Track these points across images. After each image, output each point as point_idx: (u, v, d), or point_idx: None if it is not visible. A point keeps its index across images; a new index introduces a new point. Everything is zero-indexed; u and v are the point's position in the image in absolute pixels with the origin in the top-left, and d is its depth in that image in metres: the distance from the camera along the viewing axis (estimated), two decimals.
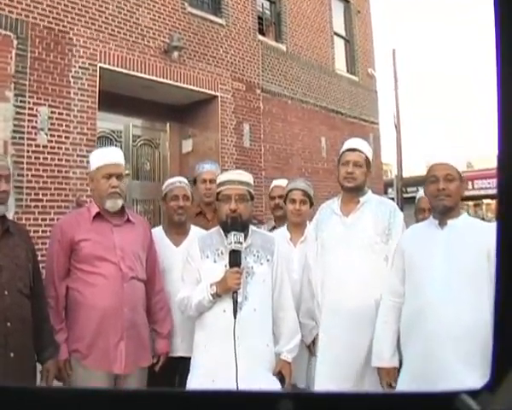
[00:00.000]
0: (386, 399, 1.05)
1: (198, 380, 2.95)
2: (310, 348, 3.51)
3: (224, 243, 2.99)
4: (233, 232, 2.91)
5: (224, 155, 10.96)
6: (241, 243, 2.90)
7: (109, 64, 9.00)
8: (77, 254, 3.11)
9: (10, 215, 7.40)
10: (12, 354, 2.70)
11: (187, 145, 11.44)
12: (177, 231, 3.67)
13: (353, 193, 3.44)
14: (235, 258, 2.89)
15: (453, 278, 2.80)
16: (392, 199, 17.35)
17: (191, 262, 3.09)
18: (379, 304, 3.16)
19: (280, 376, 3.04)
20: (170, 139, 11.48)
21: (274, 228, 4.34)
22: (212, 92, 10.84)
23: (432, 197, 3.00)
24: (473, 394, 0.91)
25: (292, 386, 3.54)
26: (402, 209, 3.61)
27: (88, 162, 3.45)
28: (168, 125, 11.45)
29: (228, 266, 2.91)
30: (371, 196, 3.50)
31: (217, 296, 2.91)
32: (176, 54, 9.84)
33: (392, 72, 20.99)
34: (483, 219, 16.32)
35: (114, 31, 9.09)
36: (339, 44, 15.00)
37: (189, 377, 3.02)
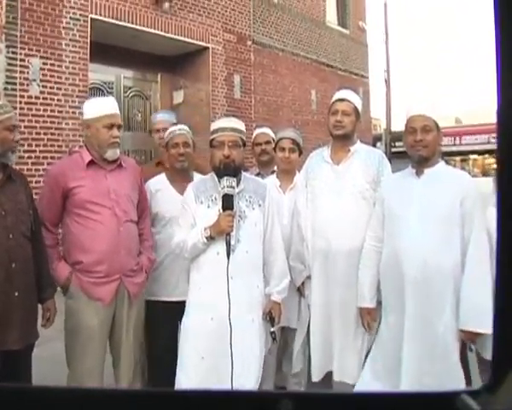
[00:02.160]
0: (387, 399, 1.05)
1: (193, 318, 3.14)
2: (300, 290, 3.70)
3: (217, 189, 3.12)
4: (226, 177, 3.05)
5: (215, 106, 11.06)
6: (233, 188, 3.05)
7: (100, 15, 8.99)
8: (71, 200, 3.23)
9: None
10: (16, 293, 2.86)
11: (178, 96, 11.51)
12: (181, 179, 3.73)
13: (343, 141, 3.59)
14: (227, 202, 3.03)
15: (427, 224, 2.99)
16: None
17: (186, 208, 3.24)
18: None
19: (270, 315, 3.23)
20: (161, 90, 11.53)
21: (259, 174, 4.44)
22: (203, 43, 10.88)
23: (409, 148, 3.15)
24: (473, 394, 0.92)
25: (284, 328, 3.76)
26: (390, 163, 3.75)
27: (81, 111, 3.53)
28: (159, 76, 11.49)
29: (221, 210, 3.06)
30: (361, 146, 3.65)
31: (211, 239, 3.07)
32: (167, 4, 9.83)
33: (383, 26, 20.95)
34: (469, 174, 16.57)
35: None
36: None
37: (185, 316, 3.21)
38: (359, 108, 3.65)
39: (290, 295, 3.49)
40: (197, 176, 3.74)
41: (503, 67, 0.89)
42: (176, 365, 3.19)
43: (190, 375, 3.10)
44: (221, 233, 3.03)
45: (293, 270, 3.58)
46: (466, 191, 3.00)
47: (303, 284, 3.64)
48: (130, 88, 11.03)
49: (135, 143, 10.83)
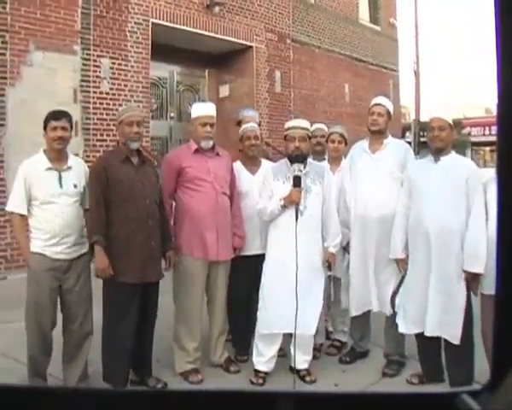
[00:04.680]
0: (387, 399, 1.08)
1: (271, 264, 4.34)
2: (345, 248, 4.85)
3: (290, 171, 4.33)
4: (296, 163, 4.25)
5: (258, 99, 12.12)
6: (301, 171, 4.25)
7: (160, 19, 10.14)
8: (183, 176, 4.47)
9: (80, 153, 8.80)
10: (153, 243, 4.09)
11: (224, 90, 12.59)
12: (252, 163, 4.97)
13: (377, 135, 4.75)
14: (297, 181, 4.24)
15: (441, 196, 4.15)
16: (410, 143, 18.43)
17: (266, 184, 4.45)
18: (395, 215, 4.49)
19: (327, 263, 4.40)
20: (208, 85, 12.66)
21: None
22: (248, 43, 11.94)
23: (429, 141, 4.34)
24: (473, 394, 0.94)
25: (330, 276, 4.90)
26: (418, 152, 4.95)
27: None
28: (206, 72, 12.60)
29: (293, 187, 4.24)
30: (392, 139, 4.83)
31: (284, 207, 4.27)
32: (217, 8, 10.94)
33: (414, 20, 21.71)
34: None
35: None
36: None
37: (265, 264, 4.41)
38: (391, 110, 4.81)
39: (337, 251, 4.65)
40: (264, 161, 4.93)
41: (503, 61, 0.94)
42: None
43: (269, 303, 4.31)
44: (292, 203, 4.24)
45: (341, 233, 4.73)
46: (469, 173, 4.16)
47: (348, 243, 4.80)
48: (181, 83, 12.19)
49: (185, 132, 11.92)
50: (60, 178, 4.01)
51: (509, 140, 0.97)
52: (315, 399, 1.09)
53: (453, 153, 4.33)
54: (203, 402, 1.02)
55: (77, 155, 8.46)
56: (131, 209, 4.03)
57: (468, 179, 4.12)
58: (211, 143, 4.56)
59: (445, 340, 4.22)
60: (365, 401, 1.05)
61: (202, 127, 4.52)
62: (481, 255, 3.97)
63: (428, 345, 4.32)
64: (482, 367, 4.15)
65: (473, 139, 29.63)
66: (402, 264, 4.45)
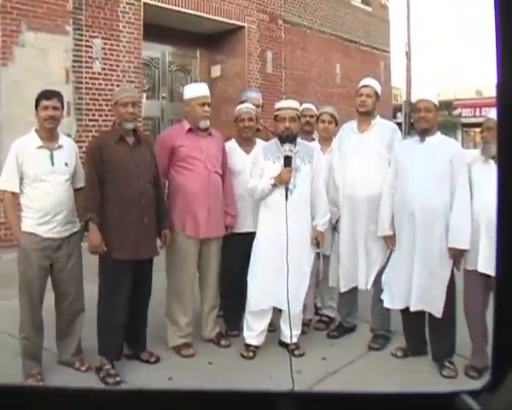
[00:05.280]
0: (387, 399, 1.07)
1: (262, 241, 4.47)
2: (334, 226, 4.98)
3: (280, 151, 4.44)
4: (286, 143, 4.36)
5: (250, 79, 12.17)
6: (291, 151, 4.35)
7: None
8: (176, 155, 4.58)
9: (72, 133, 8.86)
10: (146, 220, 4.20)
11: (215, 71, 12.64)
12: (247, 143, 5.06)
13: (366, 116, 4.86)
14: (287, 161, 4.36)
15: (426, 175, 4.26)
16: (400, 124, 18.55)
17: (257, 163, 4.56)
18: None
19: (316, 241, 4.53)
20: (200, 65, 12.69)
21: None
22: (240, 23, 11.98)
23: (416, 122, 4.44)
24: (473, 394, 0.94)
25: (319, 253, 5.02)
26: (409, 132, 5.06)
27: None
28: (198, 52, 12.63)
29: (283, 166, 4.35)
30: (379, 120, 4.93)
31: (274, 186, 4.38)
32: None
33: (405, 1, 21.70)
34: None
35: None
36: None
37: (256, 239, 4.53)
38: (379, 91, 4.92)
39: (326, 229, 4.78)
40: (259, 141, 5.03)
41: (503, 45, 0.94)
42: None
43: (258, 280, 4.44)
44: (282, 183, 4.35)
45: (330, 212, 4.85)
46: (454, 154, 4.28)
47: (337, 222, 4.92)
48: (173, 63, 12.21)
49: (177, 112, 11.94)
50: (51, 156, 4.07)
51: (509, 136, 0.98)
52: (315, 399, 1.12)
53: (438, 133, 4.45)
54: (203, 402, 1.03)
55: (69, 135, 8.57)
56: (125, 188, 4.12)
57: (452, 159, 4.24)
58: (208, 122, 4.67)
59: (429, 315, 4.37)
60: (365, 401, 1.07)
61: (201, 107, 4.61)
62: (466, 232, 4.11)
63: (413, 320, 4.47)
64: (464, 340, 4.34)
65: (463, 120, 29.82)
66: (390, 241, 4.58)
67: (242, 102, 5.40)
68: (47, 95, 4.11)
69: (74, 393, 1.09)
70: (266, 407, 1.04)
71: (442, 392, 1.01)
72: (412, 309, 4.37)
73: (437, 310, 4.26)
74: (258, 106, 5.37)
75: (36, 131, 4.13)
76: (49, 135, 4.11)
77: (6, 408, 0.95)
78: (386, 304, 4.56)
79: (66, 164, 4.15)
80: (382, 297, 4.57)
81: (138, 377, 4.20)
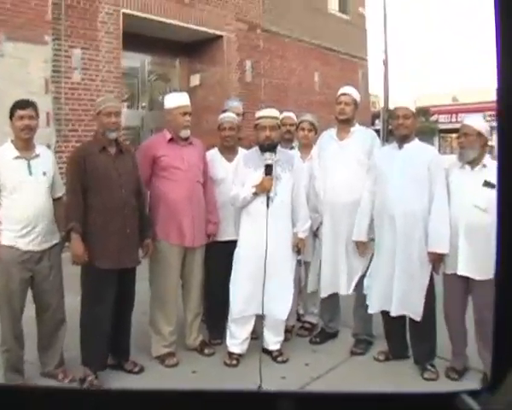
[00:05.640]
0: (387, 399, 1.07)
1: (243, 248, 4.50)
2: (315, 233, 5.03)
3: (261, 159, 4.47)
4: (267, 152, 4.40)
5: (229, 88, 12.28)
6: (272, 159, 4.40)
7: (130, 9, 10.19)
8: (158, 165, 4.60)
9: (52, 143, 8.83)
10: (128, 230, 4.20)
11: (195, 79, 12.70)
12: (229, 151, 5.10)
13: (345, 124, 4.93)
14: (268, 169, 4.40)
15: (405, 181, 4.33)
16: (379, 130, 18.71)
17: (238, 171, 4.59)
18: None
19: (297, 248, 4.57)
20: (179, 74, 12.73)
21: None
22: (219, 32, 12.10)
23: (394, 128, 4.52)
24: (473, 394, 0.94)
25: (300, 260, 5.06)
26: (387, 139, 5.13)
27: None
28: (178, 61, 12.68)
29: (264, 175, 4.39)
30: (359, 127, 5.00)
31: (256, 194, 4.42)
32: None
33: (382, 9, 21.95)
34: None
35: None
36: None
37: (237, 246, 4.56)
38: (358, 99, 4.98)
39: (307, 236, 4.82)
40: (241, 150, 5.07)
41: (502, 50, 0.93)
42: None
43: (240, 288, 4.47)
44: (263, 191, 4.40)
45: (310, 218, 4.89)
46: (431, 159, 4.35)
47: (317, 228, 4.97)
48: (152, 72, 12.24)
49: (157, 121, 11.93)
50: (29, 165, 4.03)
51: (509, 138, 0.98)
52: (315, 399, 1.10)
53: (416, 140, 4.52)
54: (202, 402, 1.02)
55: (49, 145, 8.54)
56: (107, 198, 4.12)
57: (430, 165, 4.31)
58: (189, 132, 4.70)
59: (410, 318, 4.43)
60: (365, 401, 1.06)
61: (182, 116, 4.63)
62: (445, 237, 4.18)
63: (394, 324, 4.53)
64: (443, 343, 4.41)
65: (440, 126, 30.14)
66: (362, 247, 4.65)
67: (224, 111, 5.43)
68: (21, 104, 4.07)
69: (74, 393, 1.12)
70: (266, 407, 1.04)
71: (442, 392, 1.02)
72: (393, 314, 4.42)
73: (417, 314, 4.32)
74: (238, 114, 5.41)
75: (12, 141, 4.08)
76: (25, 145, 4.07)
77: (6, 408, 0.95)
78: (371, 309, 4.62)
79: (44, 173, 4.11)
80: (367, 302, 4.62)
81: (122, 387, 4.18)
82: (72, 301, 4.31)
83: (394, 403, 1.03)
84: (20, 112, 4.01)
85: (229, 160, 5.05)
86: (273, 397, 1.09)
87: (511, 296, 0.97)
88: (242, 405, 1.04)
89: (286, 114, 5.61)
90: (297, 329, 5.38)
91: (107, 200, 4.12)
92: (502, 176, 0.99)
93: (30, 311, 4.24)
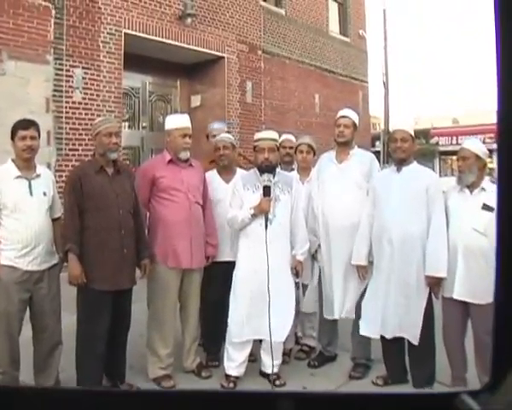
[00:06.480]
0: (387, 399, 1.08)
1: (242, 270, 4.47)
2: (313, 255, 5.01)
3: (259, 180, 4.47)
4: (266, 173, 4.40)
5: (229, 109, 12.31)
6: (271, 181, 4.39)
7: (132, 30, 10.25)
8: (157, 186, 4.59)
9: (52, 162, 8.85)
10: (125, 251, 4.19)
11: (195, 100, 12.74)
12: (226, 172, 5.10)
13: (344, 146, 4.92)
14: (267, 191, 4.39)
15: (403, 204, 4.33)
16: (379, 152, 18.74)
17: (236, 193, 4.58)
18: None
19: (295, 271, 4.55)
20: (180, 95, 12.78)
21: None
22: (219, 53, 12.13)
23: (392, 151, 4.52)
24: (473, 394, 0.94)
25: (298, 283, 5.04)
26: (387, 161, 5.13)
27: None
28: (179, 82, 12.73)
29: (262, 196, 4.38)
30: (358, 150, 4.99)
31: (254, 216, 4.41)
32: (189, 20, 11.10)
33: (383, 32, 22.12)
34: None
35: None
36: (333, 8, 16.25)
37: (236, 269, 4.53)
38: (357, 122, 5.00)
39: (305, 258, 4.80)
40: (239, 170, 5.07)
41: (502, 70, 0.94)
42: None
43: (239, 310, 4.44)
44: (262, 212, 4.38)
45: (309, 241, 4.87)
46: (430, 183, 4.35)
47: (316, 251, 4.96)
48: (153, 93, 12.29)
49: (158, 142, 11.93)
50: (30, 185, 4.04)
51: (509, 144, 0.98)
52: (315, 399, 1.10)
53: (415, 163, 4.52)
54: (202, 402, 1.02)
55: (49, 164, 8.55)
56: (104, 218, 4.11)
57: (428, 188, 4.31)
58: (188, 153, 4.69)
59: (408, 342, 4.40)
60: (365, 401, 1.06)
61: (182, 138, 4.63)
62: (443, 260, 4.16)
63: (392, 347, 4.50)
64: (443, 367, 4.37)
65: (441, 148, 30.24)
66: (362, 271, 4.63)
67: (213, 136, 5.45)
68: (24, 125, 4.08)
69: (74, 393, 1.11)
70: (266, 406, 1.03)
71: (442, 392, 1.10)
72: (388, 336, 4.39)
73: (414, 337, 4.30)
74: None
75: (13, 160, 4.09)
76: (26, 165, 4.08)
77: (6, 408, 0.94)
78: (363, 331, 4.58)
79: (44, 193, 4.11)
80: (360, 325, 4.58)
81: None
82: (68, 320, 4.28)
83: (394, 404, 1.02)
84: (22, 132, 4.02)
85: (227, 181, 5.05)
86: (273, 397, 1.09)
87: (510, 296, 0.97)
88: (242, 405, 1.03)
89: (285, 136, 5.63)
90: (295, 352, 5.33)
91: (104, 220, 4.12)
92: (502, 198, 0.99)
93: (26, 331, 4.19)
